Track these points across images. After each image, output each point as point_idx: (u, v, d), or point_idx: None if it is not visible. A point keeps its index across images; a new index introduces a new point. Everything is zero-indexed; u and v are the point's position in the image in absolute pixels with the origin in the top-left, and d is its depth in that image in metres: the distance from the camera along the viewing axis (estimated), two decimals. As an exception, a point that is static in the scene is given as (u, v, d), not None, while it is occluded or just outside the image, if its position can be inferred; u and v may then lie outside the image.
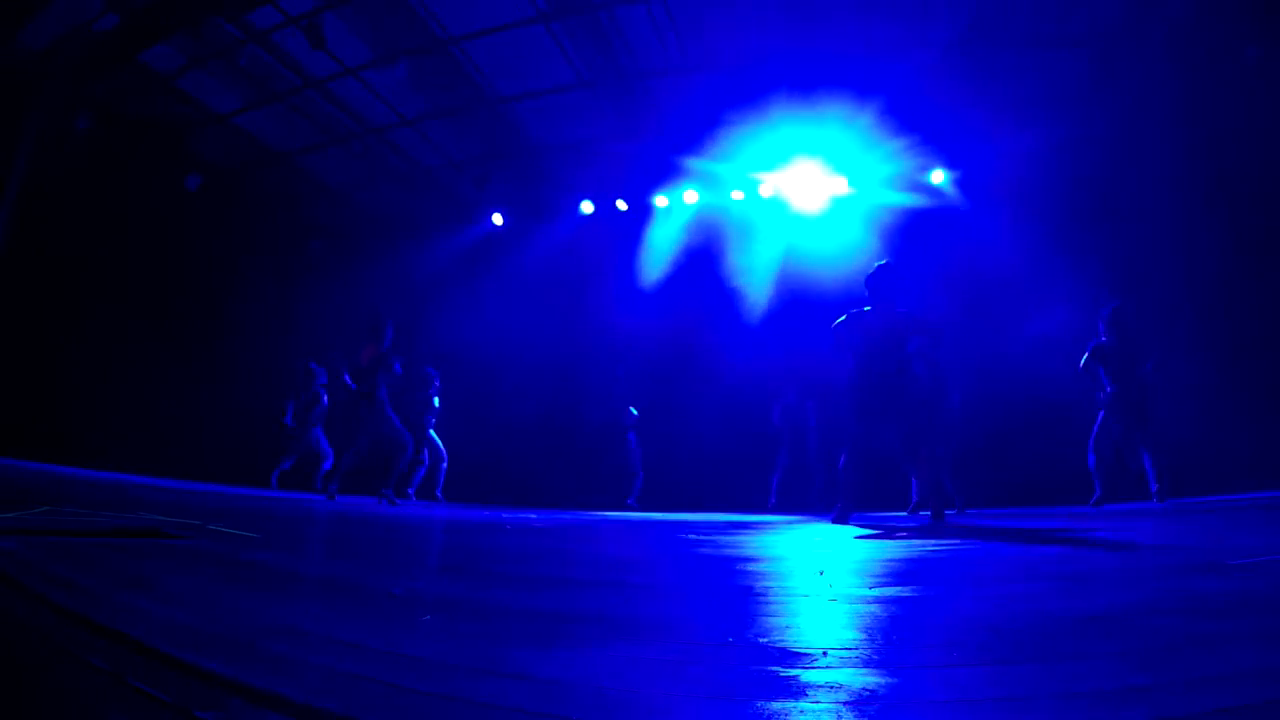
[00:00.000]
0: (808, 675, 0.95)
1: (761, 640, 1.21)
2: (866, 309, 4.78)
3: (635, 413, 8.29)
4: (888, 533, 3.76)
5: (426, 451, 8.02)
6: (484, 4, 6.81)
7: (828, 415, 7.53)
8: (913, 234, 8.09)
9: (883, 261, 4.96)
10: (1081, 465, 5.86)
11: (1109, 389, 5.76)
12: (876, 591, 1.77)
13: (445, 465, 8.12)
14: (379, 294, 8.75)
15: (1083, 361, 5.89)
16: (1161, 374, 5.67)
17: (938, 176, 8.34)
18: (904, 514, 5.92)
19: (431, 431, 8.09)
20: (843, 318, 4.83)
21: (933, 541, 3.14)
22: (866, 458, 4.68)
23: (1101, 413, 5.81)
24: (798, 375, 7.68)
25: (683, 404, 8.56)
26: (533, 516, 5.45)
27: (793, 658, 1.05)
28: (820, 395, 7.57)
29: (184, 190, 8.87)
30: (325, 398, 8.16)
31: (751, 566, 2.40)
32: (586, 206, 9.73)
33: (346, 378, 6.39)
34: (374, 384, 6.35)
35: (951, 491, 6.33)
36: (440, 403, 8.20)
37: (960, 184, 8.30)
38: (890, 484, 6.18)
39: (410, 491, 7.93)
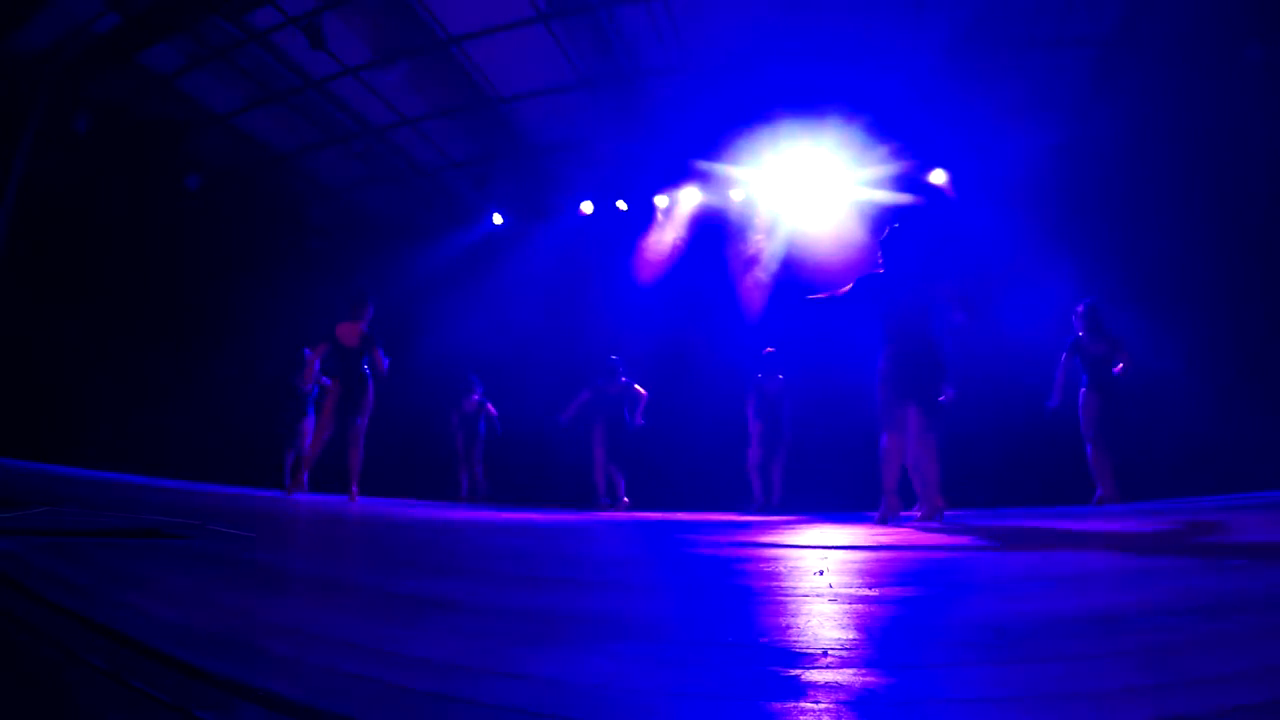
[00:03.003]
0: (808, 675, 0.95)
1: (762, 640, 1.21)
2: (882, 273, 4.38)
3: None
4: (887, 532, 3.76)
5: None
6: (484, 4, 6.81)
7: (798, 408, 7.56)
8: (911, 233, 8.06)
9: (897, 225, 4.57)
10: (1074, 465, 5.89)
11: (1084, 380, 5.90)
12: (876, 591, 1.77)
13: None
14: (378, 294, 8.76)
15: (1063, 357, 6.02)
16: (1131, 377, 5.71)
17: (937, 176, 8.34)
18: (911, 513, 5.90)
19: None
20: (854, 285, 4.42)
21: (933, 541, 3.14)
22: (900, 447, 4.17)
23: (1081, 397, 5.88)
24: (773, 365, 7.62)
25: (683, 403, 8.55)
26: (531, 516, 5.45)
27: (793, 657, 1.05)
28: (793, 389, 7.57)
29: (184, 190, 8.87)
30: (325, 381, 8.17)
31: (751, 566, 2.40)
32: (586, 206, 9.72)
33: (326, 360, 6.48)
34: (361, 365, 6.32)
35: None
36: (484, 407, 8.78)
37: (959, 184, 8.29)
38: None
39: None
